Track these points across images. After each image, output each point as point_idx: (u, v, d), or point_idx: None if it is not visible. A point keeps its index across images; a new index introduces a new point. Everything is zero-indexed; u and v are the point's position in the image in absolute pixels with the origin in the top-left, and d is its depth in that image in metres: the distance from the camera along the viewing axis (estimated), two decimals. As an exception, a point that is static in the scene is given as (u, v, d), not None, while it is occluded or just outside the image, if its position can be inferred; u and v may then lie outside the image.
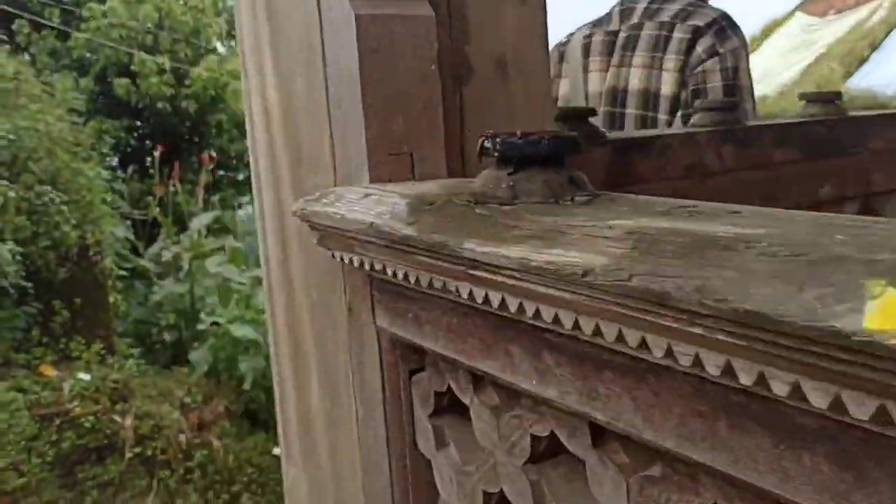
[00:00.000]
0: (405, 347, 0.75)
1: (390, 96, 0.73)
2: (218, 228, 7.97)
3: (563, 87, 2.09)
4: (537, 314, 0.49)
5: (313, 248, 0.87)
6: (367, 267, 0.69)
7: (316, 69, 0.80)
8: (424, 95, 0.75)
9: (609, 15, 2.08)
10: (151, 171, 7.16)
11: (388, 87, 0.73)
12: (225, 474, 6.25)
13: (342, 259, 0.73)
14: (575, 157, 0.58)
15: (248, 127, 0.99)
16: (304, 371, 0.94)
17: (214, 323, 6.48)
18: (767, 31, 12.56)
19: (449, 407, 0.74)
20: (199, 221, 6.97)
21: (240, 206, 10.03)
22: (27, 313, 5.66)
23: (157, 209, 7.02)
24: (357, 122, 0.73)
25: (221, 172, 8.67)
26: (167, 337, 6.74)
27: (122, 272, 6.50)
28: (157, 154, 7.00)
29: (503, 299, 0.53)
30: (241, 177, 9.43)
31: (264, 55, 0.91)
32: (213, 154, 7.95)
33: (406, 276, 0.63)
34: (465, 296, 0.57)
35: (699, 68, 1.84)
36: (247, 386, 6.23)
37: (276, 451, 6.45)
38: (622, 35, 1.98)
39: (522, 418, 0.62)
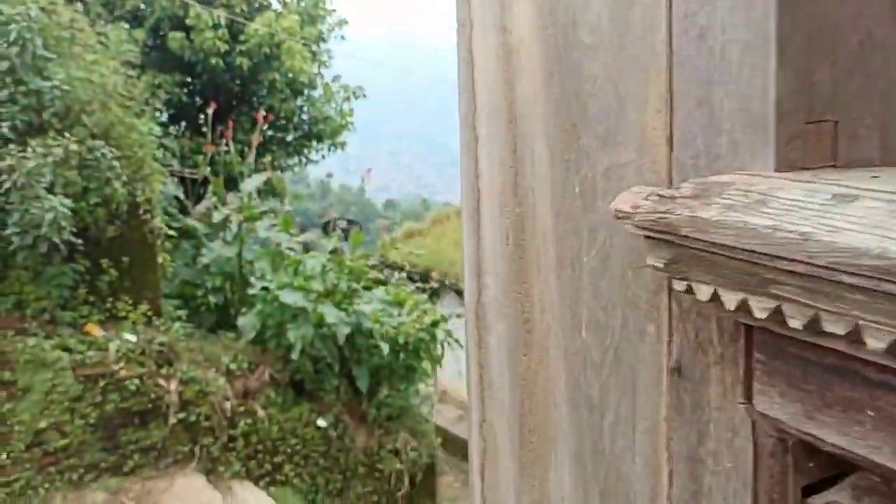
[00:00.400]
0: (805, 452, 0.45)
1: (815, 28, 0.42)
2: (266, 190, 7.75)
3: None
4: None
5: (592, 264, 0.57)
6: (795, 323, 0.38)
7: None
8: (862, 26, 0.44)
9: None
10: (204, 129, 6.93)
11: (814, 11, 0.42)
12: (268, 444, 6.08)
13: (715, 297, 0.42)
14: None
15: (461, 76, 0.69)
16: (541, 439, 0.64)
17: (264, 288, 6.27)
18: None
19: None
20: (251, 183, 6.73)
21: (288, 167, 9.80)
22: (75, 271, 5.48)
23: (208, 168, 6.81)
24: (754, 67, 0.42)
25: (271, 133, 8.43)
26: (213, 300, 6.55)
27: (171, 232, 6.31)
28: (210, 112, 6.76)
29: None
30: (290, 138, 9.18)
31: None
32: (266, 113, 7.70)
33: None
34: None
35: None
36: (294, 356, 6.02)
37: (321, 422, 6.25)
38: None
39: None
